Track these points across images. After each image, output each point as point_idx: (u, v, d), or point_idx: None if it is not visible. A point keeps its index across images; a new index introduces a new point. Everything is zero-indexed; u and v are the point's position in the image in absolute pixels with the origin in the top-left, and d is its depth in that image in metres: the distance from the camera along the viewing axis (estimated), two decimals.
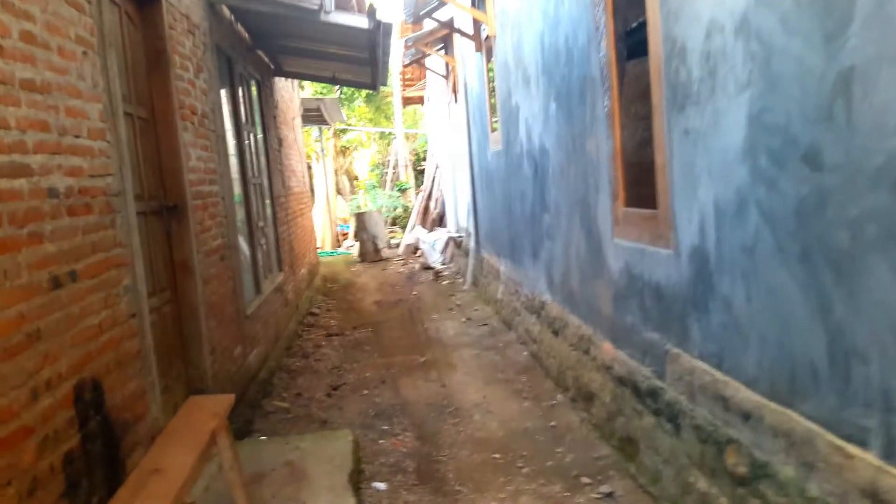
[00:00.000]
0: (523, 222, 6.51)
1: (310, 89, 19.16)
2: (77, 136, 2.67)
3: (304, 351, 6.91)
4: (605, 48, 3.85)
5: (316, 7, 5.02)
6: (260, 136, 7.18)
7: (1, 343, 2.05)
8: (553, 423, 4.55)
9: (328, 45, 6.97)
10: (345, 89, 21.06)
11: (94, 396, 2.68)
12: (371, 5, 5.14)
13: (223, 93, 5.75)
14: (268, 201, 7.15)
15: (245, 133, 6.29)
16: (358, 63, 7.42)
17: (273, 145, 7.85)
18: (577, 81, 4.42)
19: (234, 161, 5.89)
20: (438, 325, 7.89)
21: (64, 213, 2.53)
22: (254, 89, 7.20)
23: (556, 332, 5.42)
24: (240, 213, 5.86)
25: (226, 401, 2.93)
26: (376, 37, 5.63)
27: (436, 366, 6.20)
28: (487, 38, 7.40)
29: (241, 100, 6.30)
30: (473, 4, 7.20)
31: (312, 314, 8.69)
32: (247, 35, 6.82)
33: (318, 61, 7.96)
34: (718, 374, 2.88)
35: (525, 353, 6.31)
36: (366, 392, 5.55)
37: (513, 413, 4.83)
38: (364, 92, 21.45)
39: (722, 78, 2.70)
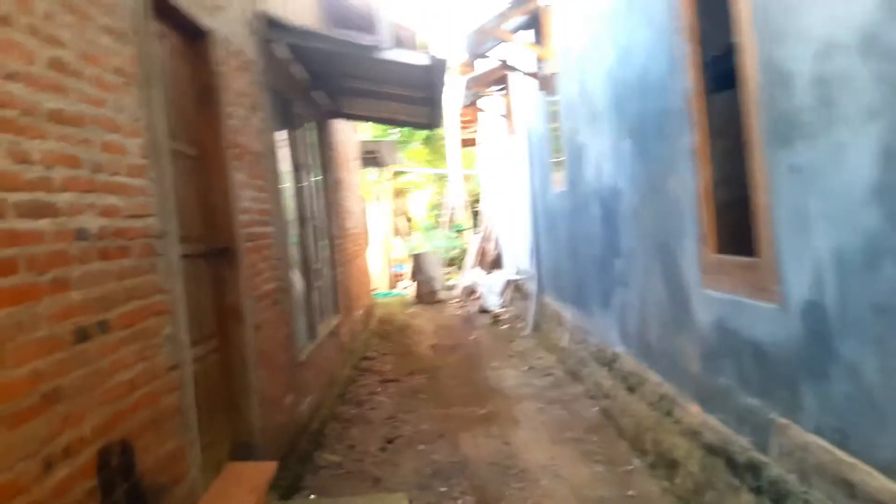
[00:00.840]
0: (591, 267, 6.10)
1: (369, 132, 19.27)
2: (114, 174, 2.44)
3: (357, 398, 6.58)
4: (689, 78, 3.49)
5: (373, 44, 4.83)
6: (317, 177, 7.02)
7: (8, 408, 1.78)
8: (631, 493, 4.08)
9: (385, 84, 6.80)
10: (402, 132, 21.13)
11: (122, 461, 2.40)
12: (426, 44, 4.91)
13: (280, 133, 5.60)
14: (324, 242, 6.94)
15: (302, 174, 6.12)
16: (415, 102, 7.23)
17: (331, 186, 7.68)
18: (654, 116, 4.06)
19: (290, 202, 5.70)
20: (499, 374, 7.48)
21: (95, 257, 2.28)
22: (311, 130, 7.07)
23: (631, 389, 4.96)
24: (295, 255, 5.65)
25: (267, 470, 2.62)
26: (434, 74, 5.41)
27: (497, 419, 5.78)
28: (550, 75, 7.12)
29: (298, 140, 6.15)
30: (536, 41, 6.95)
31: (368, 358, 8.40)
32: (304, 75, 6.71)
33: (376, 101, 7.82)
34: (842, 454, 2.42)
35: (595, 408, 5.83)
36: (422, 447, 5.17)
37: (584, 478, 4.37)
38: (421, 134, 21.47)
39: (842, 106, 2.31)
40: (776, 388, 2.89)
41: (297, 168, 5.84)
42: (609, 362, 5.60)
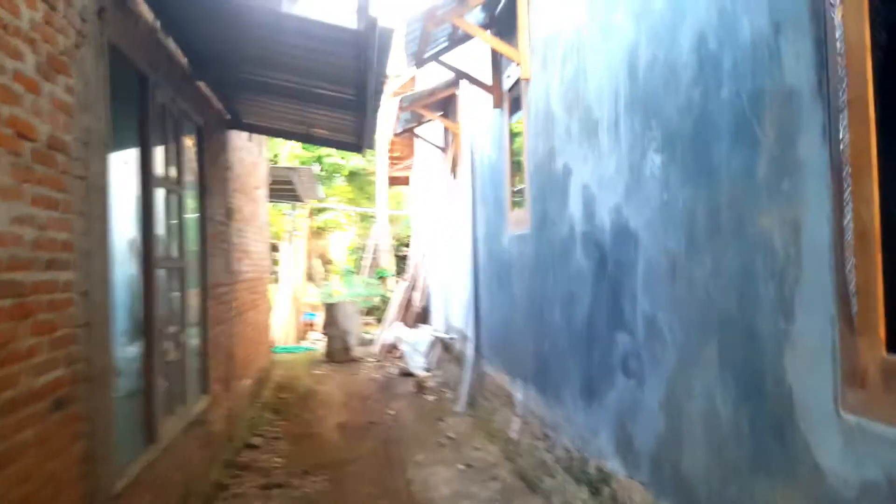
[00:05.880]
0: (566, 338, 4.42)
1: (286, 164, 17.36)
2: None
3: None
4: (840, 20, 1.88)
5: None
6: (192, 201, 5.10)
7: None
8: None
9: (300, 76, 5.03)
10: (325, 166, 19.32)
11: None
12: None
13: (125, 124, 3.73)
14: (194, 291, 4.99)
15: (160, 192, 4.21)
16: (342, 107, 5.46)
17: (216, 217, 5.77)
18: (730, 107, 2.44)
19: (132, 232, 3.79)
20: (427, 476, 5.61)
21: None
22: (189, 137, 5.17)
23: None
24: (132, 314, 3.71)
25: None
26: (368, 53, 3.66)
27: None
28: (515, 84, 5.53)
29: (159, 144, 4.26)
30: (500, 37, 5.36)
31: (251, 447, 6.35)
32: (184, 60, 4.87)
33: (287, 105, 6.00)
34: None
35: None
36: None
37: None
38: (346, 170, 19.72)
39: None
40: None
41: (150, 182, 3.93)
42: (594, 483, 3.88)
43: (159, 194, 4.13)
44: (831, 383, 1.95)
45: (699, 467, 2.74)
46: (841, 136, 1.89)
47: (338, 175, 19.72)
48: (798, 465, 2.11)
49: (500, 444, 6.17)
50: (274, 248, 15.90)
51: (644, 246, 3.20)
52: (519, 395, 5.83)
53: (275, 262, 16.20)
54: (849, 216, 1.88)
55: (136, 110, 3.95)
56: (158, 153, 4.24)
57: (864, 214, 1.83)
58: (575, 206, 4.15)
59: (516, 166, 5.93)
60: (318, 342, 14.45)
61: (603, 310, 3.76)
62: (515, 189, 5.98)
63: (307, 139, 7.06)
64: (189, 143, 5.20)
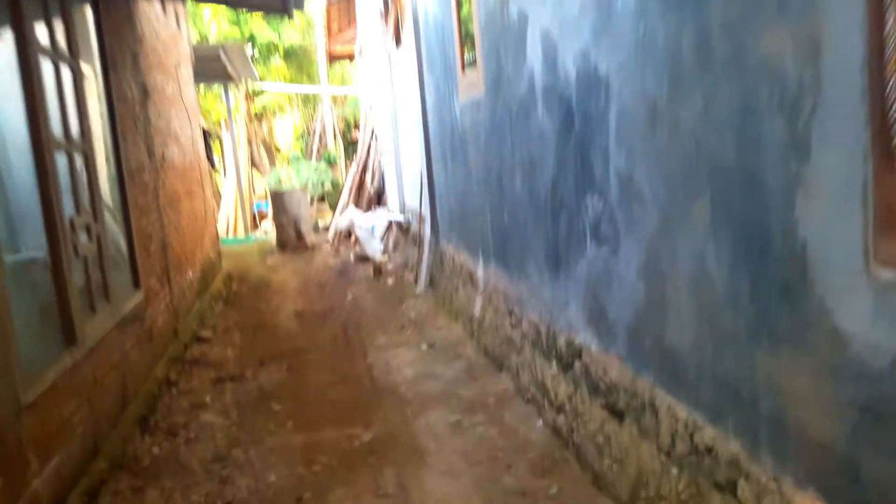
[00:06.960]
0: (530, 208, 4.05)
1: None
2: None
3: (171, 420, 4.27)
4: None
5: None
6: (95, 76, 4.43)
7: None
8: None
9: None
10: (260, 45, 18.05)
11: None
12: None
13: None
14: (108, 178, 4.41)
15: (48, 66, 3.56)
16: None
17: (127, 95, 5.10)
18: None
19: (14, 113, 3.19)
20: (388, 358, 5.39)
21: None
22: (84, 4, 4.42)
23: (616, 413, 3.02)
24: (30, 205, 3.19)
25: None
26: None
27: (391, 452, 3.71)
28: None
29: (39, 10, 3.56)
30: None
31: (201, 340, 6.02)
32: None
33: None
34: None
35: (538, 423, 3.90)
36: None
37: None
38: (282, 48, 18.44)
39: None
40: None
41: (29, 53, 3.27)
42: (566, 358, 3.64)
43: (47, 68, 3.49)
44: (860, 233, 1.61)
45: (687, 337, 2.46)
46: None
47: (274, 55, 18.44)
48: (811, 331, 1.81)
49: (463, 321, 5.96)
50: (208, 135, 15.00)
51: (617, 93, 2.77)
52: (480, 271, 5.54)
53: (216, 151, 15.33)
54: (891, 21, 1.46)
55: None
56: (40, 21, 3.55)
57: None
58: (534, 58, 3.65)
59: (465, 24, 5.34)
60: (269, 232, 13.97)
61: (570, 172, 3.37)
62: (466, 50, 5.40)
63: (226, 1, 6.25)
64: (84, 11, 4.46)
